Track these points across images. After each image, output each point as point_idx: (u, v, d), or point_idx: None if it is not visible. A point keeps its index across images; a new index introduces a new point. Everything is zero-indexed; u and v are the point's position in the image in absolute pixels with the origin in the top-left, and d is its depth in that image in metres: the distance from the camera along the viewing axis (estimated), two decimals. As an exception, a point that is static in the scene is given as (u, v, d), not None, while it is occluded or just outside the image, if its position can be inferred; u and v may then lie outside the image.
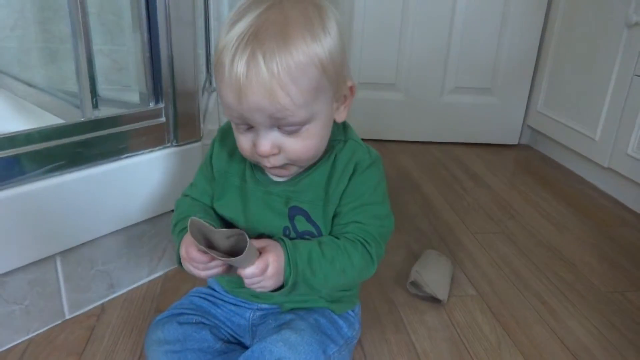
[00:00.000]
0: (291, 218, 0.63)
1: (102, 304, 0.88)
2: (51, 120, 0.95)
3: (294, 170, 0.61)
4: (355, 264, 0.60)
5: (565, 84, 1.69)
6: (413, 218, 1.27)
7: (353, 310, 0.72)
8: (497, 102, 1.89)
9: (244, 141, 0.58)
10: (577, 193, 1.51)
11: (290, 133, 0.55)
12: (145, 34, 0.86)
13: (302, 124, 0.55)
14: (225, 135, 0.67)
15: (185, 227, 0.54)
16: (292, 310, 0.67)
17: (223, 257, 0.52)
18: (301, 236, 0.63)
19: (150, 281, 0.95)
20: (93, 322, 0.84)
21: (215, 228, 0.52)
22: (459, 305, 0.93)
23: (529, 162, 1.79)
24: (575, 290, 1.00)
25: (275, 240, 0.59)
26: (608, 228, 1.28)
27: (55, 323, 0.83)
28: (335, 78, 0.56)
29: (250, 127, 0.56)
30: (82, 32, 0.80)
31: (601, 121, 1.47)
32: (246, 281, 0.55)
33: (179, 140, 0.93)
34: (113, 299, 0.90)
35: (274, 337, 0.58)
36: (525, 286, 1.00)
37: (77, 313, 0.85)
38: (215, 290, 0.73)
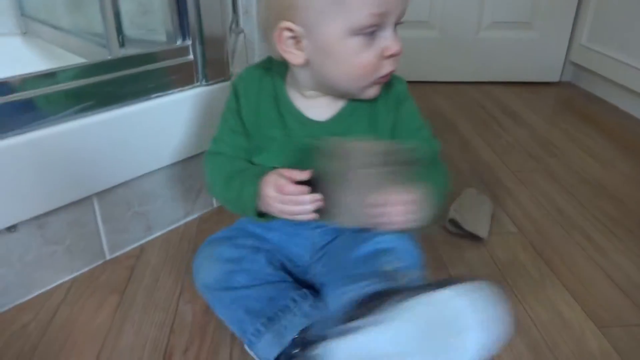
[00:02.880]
0: None
1: (141, 245, 0.89)
2: (79, 61, 0.94)
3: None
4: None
5: (611, 13, 1.57)
6: (451, 158, 1.22)
7: None
8: (538, 37, 1.78)
9: (369, 54, 0.55)
10: (624, 129, 1.43)
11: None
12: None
13: None
14: (249, 86, 0.64)
15: (252, 176, 0.59)
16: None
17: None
18: None
19: (186, 223, 0.95)
20: (133, 262, 0.85)
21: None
22: (500, 242, 0.90)
23: (572, 99, 1.70)
24: (622, 226, 0.96)
25: None
26: (657, 164, 1.22)
27: (97, 263, 0.84)
28: None
29: (372, 34, 0.53)
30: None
31: (652, 51, 1.38)
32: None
33: (208, 79, 0.91)
34: (151, 240, 0.90)
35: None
36: (569, 223, 0.96)
37: (117, 254, 0.86)
38: None
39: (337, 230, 0.66)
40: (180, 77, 0.87)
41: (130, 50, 0.83)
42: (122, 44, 0.83)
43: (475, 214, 0.91)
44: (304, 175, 0.55)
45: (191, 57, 0.88)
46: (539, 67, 1.84)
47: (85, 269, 0.82)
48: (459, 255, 0.86)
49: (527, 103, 1.64)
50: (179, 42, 0.87)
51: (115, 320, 0.72)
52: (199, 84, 0.90)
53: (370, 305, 0.49)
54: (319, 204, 0.55)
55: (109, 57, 0.79)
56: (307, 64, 0.57)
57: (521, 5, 1.73)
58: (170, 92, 0.86)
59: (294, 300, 0.60)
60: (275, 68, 0.63)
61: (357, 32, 0.52)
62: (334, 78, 0.57)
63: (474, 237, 0.89)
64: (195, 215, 0.97)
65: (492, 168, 1.18)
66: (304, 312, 0.59)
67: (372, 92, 0.60)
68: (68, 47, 1.02)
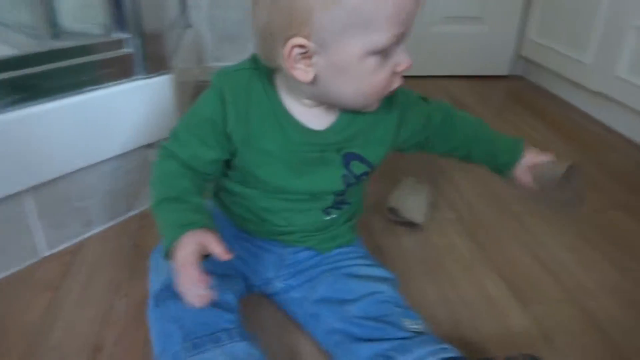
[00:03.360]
0: (347, 165, 0.62)
1: (80, 241, 0.88)
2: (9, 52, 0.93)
3: None
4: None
5: (558, 10, 1.62)
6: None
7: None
8: (488, 32, 1.83)
9: (385, 72, 0.53)
10: (567, 120, 1.48)
11: None
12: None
13: None
14: (238, 92, 0.59)
15: (175, 204, 0.57)
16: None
17: None
18: (359, 178, 0.64)
19: (127, 218, 0.95)
20: (70, 258, 0.84)
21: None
22: (437, 228, 0.92)
23: (520, 92, 1.75)
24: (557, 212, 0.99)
25: None
26: (596, 153, 1.27)
27: (33, 260, 0.83)
28: None
29: (388, 51, 0.52)
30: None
31: (591, 44, 1.43)
32: None
33: (147, 73, 0.91)
34: (90, 236, 0.90)
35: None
36: (504, 208, 1.00)
37: (54, 250, 0.85)
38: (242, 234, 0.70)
39: (313, 262, 0.68)
40: (117, 70, 0.87)
41: (62, 42, 0.82)
42: (55, 36, 0.82)
43: (412, 202, 0.93)
44: (228, 256, 0.51)
45: (130, 49, 0.88)
46: (489, 61, 1.88)
47: (20, 267, 0.81)
48: (396, 241, 0.88)
49: (477, 96, 1.68)
50: (116, 35, 0.87)
51: (47, 317, 0.71)
52: (137, 77, 0.90)
53: None
54: (204, 301, 0.50)
55: (39, 49, 0.78)
56: (314, 80, 0.53)
57: (471, 0, 1.78)
58: (107, 85, 0.85)
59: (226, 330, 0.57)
60: (262, 69, 0.59)
61: (377, 52, 0.51)
62: (344, 95, 0.55)
63: (411, 225, 0.91)
64: (137, 210, 0.97)
65: (437, 158, 1.21)
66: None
67: (375, 106, 0.59)
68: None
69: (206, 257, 0.52)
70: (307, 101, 0.58)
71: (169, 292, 0.57)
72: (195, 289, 0.49)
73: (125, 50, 0.88)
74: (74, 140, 0.82)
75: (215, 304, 0.56)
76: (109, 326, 0.69)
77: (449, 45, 1.83)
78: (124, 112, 0.88)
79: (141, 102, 0.90)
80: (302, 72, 0.52)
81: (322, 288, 0.66)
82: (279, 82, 0.59)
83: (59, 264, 0.82)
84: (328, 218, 0.67)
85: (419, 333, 0.58)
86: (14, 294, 0.76)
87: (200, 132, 0.60)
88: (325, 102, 0.58)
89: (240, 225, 0.69)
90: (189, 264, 0.50)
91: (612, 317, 0.72)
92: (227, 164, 0.64)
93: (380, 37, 0.49)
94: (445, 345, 0.56)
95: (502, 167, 0.72)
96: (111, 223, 0.93)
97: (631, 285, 0.79)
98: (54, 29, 0.82)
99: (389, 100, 0.61)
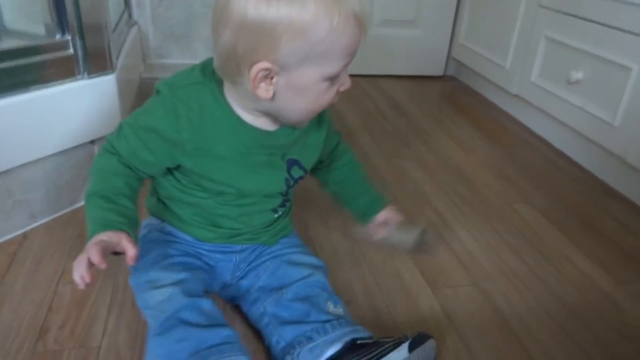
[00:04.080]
0: (289, 169, 0.71)
1: (24, 233, 0.92)
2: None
3: None
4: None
5: (483, 16, 1.76)
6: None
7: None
8: (423, 35, 1.95)
9: (332, 92, 0.61)
10: (489, 119, 1.62)
11: None
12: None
13: None
14: (191, 106, 0.62)
15: (103, 203, 0.61)
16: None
17: None
18: (296, 181, 0.73)
19: (72, 210, 0.99)
20: (15, 248, 0.88)
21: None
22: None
23: (451, 92, 1.88)
24: (470, 204, 1.11)
25: None
26: (511, 149, 1.40)
27: (-23, 251, 0.86)
28: None
29: (334, 78, 0.59)
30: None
31: (510, 50, 1.57)
32: None
33: (90, 73, 0.95)
34: (35, 227, 0.94)
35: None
36: (426, 202, 1.10)
37: (0, 240, 0.89)
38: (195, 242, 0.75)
39: (257, 253, 0.77)
40: (60, 71, 0.91)
41: (5, 44, 0.85)
42: (-2, 37, 0.85)
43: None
44: (134, 259, 0.58)
45: (71, 51, 0.92)
46: (424, 62, 2.00)
47: (-35, 257, 0.85)
48: (326, 235, 0.97)
49: (412, 95, 1.80)
50: (57, 37, 0.91)
51: (-7, 303, 0.76)
52: (80, 76, 0.94)
53: None
54: (86, 282, 0.56)
55: (-18, 51, 0.82)
56: (272, 97, 0.59)
57: (407, 5, 1.88)
58: (49, 84, 0.89)
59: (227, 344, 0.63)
60: (212, 80, 0.63)
61: (330, 77, 0.58)
62: (295, 110, 0.62)
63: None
64: (81, 203, 1.01)
65: (368, 154, 1.31)
66: None
67: (308, 122, 0.68)
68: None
69: (117, 254, 0.59)
70: (256, 112, 0.64)
71: (171, 322, 0.62)
72: (83, 269, 0.55)
73: (68, 51, 0.92)
74: (17, 137, 0.86)
75: (213, 324, 0.64)
76: (53, 311, 0.75)
77: (386, 46, 1.93)
78: (67, 111, 0.92)
79: (85, 101, 0.95)
80: (264, 90, 0.58)
81: (265, 275, 0.74)
82: (229, 92, 0.63)
83: (4, 254, 0.86)
84: (276, 216, 0.76)
85: (339, 317, 0.67)
86: (-41, 284, 0.79)
87: (144, 136, 0.64)
88: (272, 115, 0.64)
89: (194, 234, 0.74)
90: (91, 248, 0.55)
91: (506, 298, 0.84)
92: (175, 172, 0.69)
93: (334, 66, 0.57)
94: (358, 327, 0.66)
95: (359, 215, 0.86)
96: (55, 215, 0.97)
97: (526, 270, 0.91)
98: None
99: (319, 116, 0.70)
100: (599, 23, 1.21)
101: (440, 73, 2.04)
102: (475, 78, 1.88)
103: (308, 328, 0.65)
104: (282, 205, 0.76)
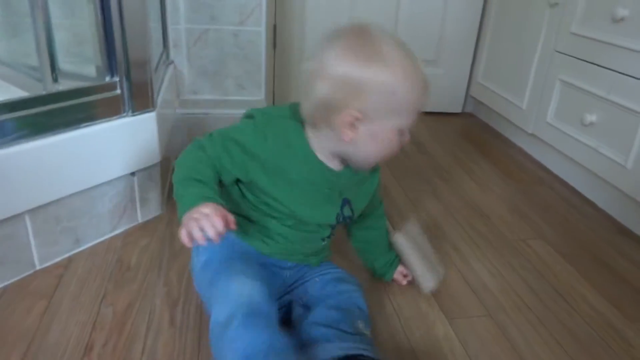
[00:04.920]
0: (342, 207, 0.81)
1: (69, 257, 1.00)
2: (15, 92, 1.04)
3: None
4: None
5: (500, 57, 1.83)
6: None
7: None
8: (443, 73, 2.03)
9: (397, 144, 0.72)
10: (506, 156, 1.67)
11: None
12: (98, 9, 0.95)
13: None
14: (278, 135, 0.73)
15: (199, 184, 0.70)
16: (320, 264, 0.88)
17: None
18: (344, 219, 0.83)
19: (112, 236, 1.07)
20: (61, 271, 0.95)
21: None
22: (384, 252, 1.07)
23: (470, 129, 1.94)
24: (485, 238, 1.16)
25: None
26: (526, 186, 1.45)
27: (27, 273, 0.94)
28: None
29: (402, 132, 0.71)
30: (40, 7, 0.88)
31: (527, 92, 1.63)
32: None
33: (134, 110, 1.04)
34: (79, 252, 1.01)
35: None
36: (443, 236, 1.16)
37: (47, 264, 0.97)
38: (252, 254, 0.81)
39: (303, 272, 0.86)
40: (108, 109, 1.00)
41: (62, 86, 0.95)
42: (55, 79, 0.94)
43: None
44: (233, 218, 0.66)
45: (118, 91, 1.01)
46: (444, 100, 2.08)
47: (17, 278, 0.92)
48: (348, 261, 1.02)
49: (432, 132, 1.86)
50: (107, 79, 1.00)
51: (42, 322, 0.83)
52: (125, 114, 1.03)
53: None
54: (219, 232, 0.63)
55: (43, 93, 0.91)
56: (351, 140, 0.70)
57: (428, 44, 1.97)
58: (98, 122, 0.98)
59: None
60: (298, 120, 0.74)
61: (401, 129, 0.71)
62: (368, 155, 0.73)
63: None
64: (121, 230, 1.09)
65: (388, 189, 1.37)
66: None
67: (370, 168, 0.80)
68: (5, 77, 1.12)
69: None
70: (330, 153, 0.75)
71: (239, 319, 0.65)
72: (216, 221, 0.63)
73: (116, 92, 1.01)
74: (68, 169, 0.94)
75: (274, 324, 0.67)
76: (97, 330, 0.81)
77: (407, 84, 2.01)
78: (111, 146, 1.01)
79: (127, 137, 1.03)
80: (346, 134, 0.69)
81: (313, 290, 0.83)
82: (309, 132, 0.74)
83: (52, 276, 0.94)
84: (323, 243, 0.85)
85: (363, 335, 0.75)
86: (13, 302, 0.87)
87: (229, 145, 0.73)
88: (345, 157, 0.75)
89: (252, 244, 0.81)
90: (217, 208, 0.64)
91: (520, 330, 0.88)
92: (247, 192, 0.78)
93: (406, 121, 0.70)
94: (375, 348, 0.73)
95: (376, 272, 0.98)
96: (97, 241, 1.05)
97: (539, 305, 0.95)
98: (54, 71, 0.94)
99: (374, 168, 0.82)
100: (612, 70, 1.27)
101: (459, 110, 2.11)
102: (493, 116, 1.94)
103: (332, 333, 0.73)
104: (329, 236, 0.85)
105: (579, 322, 0.91)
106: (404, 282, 0.97)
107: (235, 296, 0.67)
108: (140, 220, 1.13)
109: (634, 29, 1.20)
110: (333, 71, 0.66)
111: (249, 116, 0.76)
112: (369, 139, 0.70)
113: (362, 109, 0.67)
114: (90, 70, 1.05)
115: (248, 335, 0.63)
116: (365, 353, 0.70)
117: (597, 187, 1.37)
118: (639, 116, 1.18)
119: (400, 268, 0.97)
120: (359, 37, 0.67)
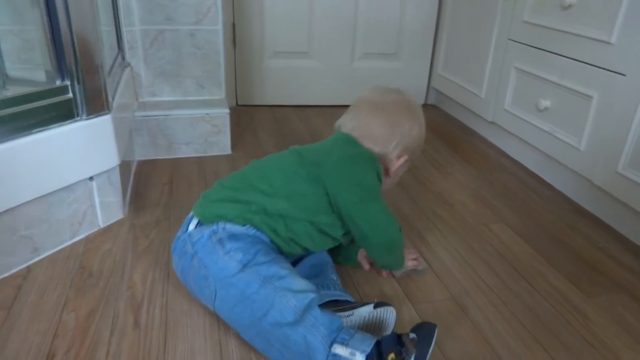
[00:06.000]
0: None
1: (28, 266, 0.97)
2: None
3: None
4: None
5: (458, 48, 1.86)
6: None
7: None
8: (403, 66, 2.05)
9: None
10: (467, 145, 1.71)
11: None
12: (44, 13, 0.93)
13: None
14: (380, 170, 0.89)
15: None
16: None
17: None
18: None
19: (73, 243, 1.05)
20: (20, 281, 0.93)
21: None
22: (349, 244, 1.08)
23: (433, 120, 1.97)
24: (448, 225, 1.18)
25: None
26: (487, 173, 1.48)
27: (-16, 285, 0.92)
28: None
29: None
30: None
31: (485, 81, 1.66)
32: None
33: (88, 114, 1.02)
34: (38, 261, 0.99)
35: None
36: (409, 225, 1.17)
37: (4, 275, 0.94)
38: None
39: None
40: (60, 114, 0.98)
41: (11, 92, 0.92)
42: (2, 86, 0.92)
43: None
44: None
45: (70, 95, 0.99)
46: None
47: (-27, 290, 0.90)
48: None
49: (394, 124, 1.88)
50: (57, 83, 0.98)
51: (0, 333, 0.80)
52: (79, 118, 1.01)
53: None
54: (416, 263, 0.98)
55: (-10, 98, 0.88)
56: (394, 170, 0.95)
57: (388, 38, 1.99)
58: (51, 127, 0.96)
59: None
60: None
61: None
62: (391, 183, 0.98)
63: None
64: (82, 236, 1.07)
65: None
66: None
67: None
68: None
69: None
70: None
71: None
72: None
73: (67, 95, 0.99)
74: (22, 176, 0.92)
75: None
76: (59, 338, 0.80)
77: (369, 78, 2.03)
78: (67, 150, 0.99)
79: (83, 141, 1.01)
80: (394, 168, 0.94)
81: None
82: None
83: (10, 287, 0.91)
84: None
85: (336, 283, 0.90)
86: (-32, 316, 0.84)
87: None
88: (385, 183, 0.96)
89: (278, 244, 0.86)
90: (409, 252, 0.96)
91: (482, 311, 0.90)
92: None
93: (415, 157, 0.97)
94: (348, 295, 0.86)
95: (345, 259, 1.02)
96: (57, 248, 1.03)
97: (501, 285, 0.98)
98: (2, 76, 0.92)
99: None
100: (563, 56, 1.31)
101: (422, 102, 2.14)
102: (455, 106, 1.97)
103: (317, 281, 0.86)
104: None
105: (539, 300, 0.94)
106: (367, 267, 0.99)
107: (303, 286, 0.75)
108: (101, 225, 1.11)
109: (582, 15, 1.24)
110: (412, 123, 0.95)
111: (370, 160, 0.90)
112: (398, 170, 0.95)
113: (410, 154, 0.96)
114: (41, 75, 1.02)
115: (326, 317, 0.72)
116: (344, 298, 0.84)
117: (554, 170, 1.41)
118: (590, 100, 1.22)
119: (362, 251, 0.99)
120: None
